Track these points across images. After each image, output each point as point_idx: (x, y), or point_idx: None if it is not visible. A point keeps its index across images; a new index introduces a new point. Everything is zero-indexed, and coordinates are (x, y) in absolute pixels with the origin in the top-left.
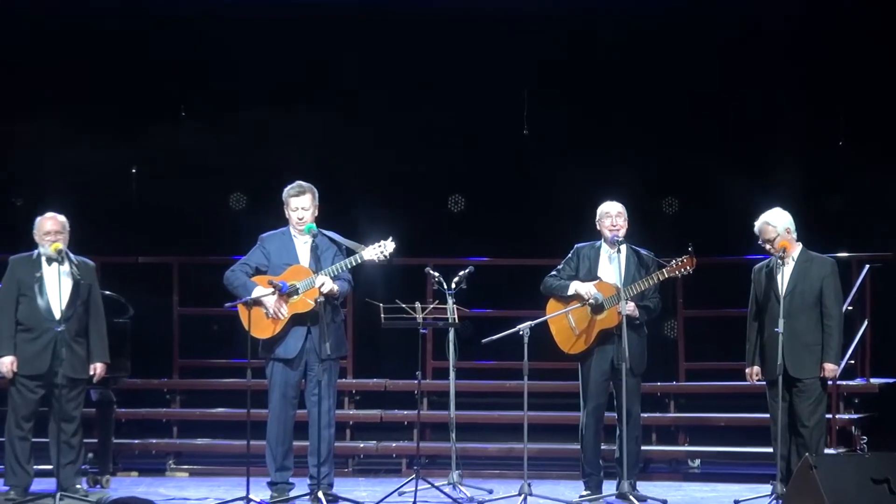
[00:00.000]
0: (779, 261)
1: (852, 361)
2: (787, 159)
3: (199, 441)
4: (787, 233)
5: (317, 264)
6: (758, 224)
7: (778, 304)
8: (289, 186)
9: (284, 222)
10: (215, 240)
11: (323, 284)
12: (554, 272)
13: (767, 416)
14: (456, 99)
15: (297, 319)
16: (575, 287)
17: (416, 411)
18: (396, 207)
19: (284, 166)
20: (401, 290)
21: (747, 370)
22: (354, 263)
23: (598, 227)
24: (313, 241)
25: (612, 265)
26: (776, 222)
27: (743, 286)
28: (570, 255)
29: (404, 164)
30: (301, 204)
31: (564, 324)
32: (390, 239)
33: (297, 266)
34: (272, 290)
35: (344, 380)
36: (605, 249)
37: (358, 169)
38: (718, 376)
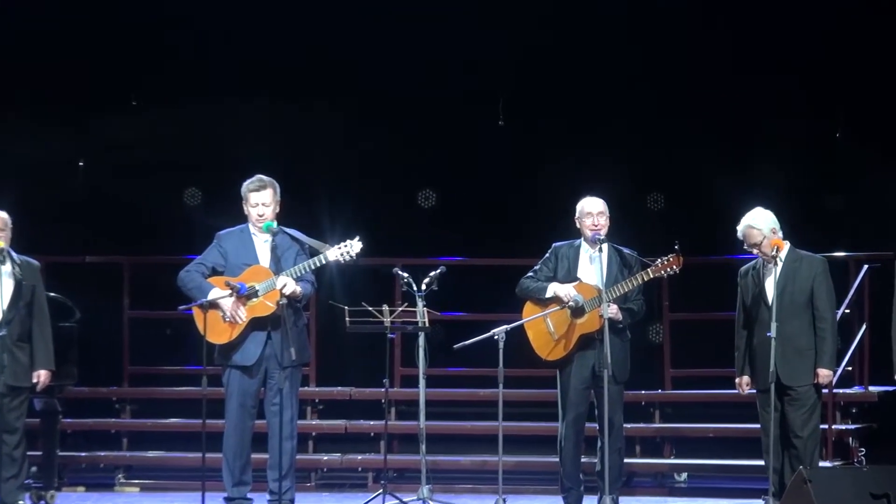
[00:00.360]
0: (772, 261)
1: (850, 368)
2: (781, 154)
3: (151, 454)
4: (773, 233)
5: (277, 265)
6: (741, 228)
7: (767, 309)
8: (248, 181)
9: (243, 219)
10: (169, 238)
11: (285, 286)
12: (531, 273)
13: (759, 426)
14: (427, 87)
15: (256, 323)
16: (553, 289)
17: (383, 422)
18: (363, 203)
19: (243, 159)
20: (367, 292)
21: (737, 380)
22: (318, 264)
23: (577, 225)
24: (273, 240)
25: (592, 265)
26: (760, 224)
27: (733, 287)
28: (547, 254)
29: (372, 157)
30: (261, 199)
31: (542, 328)
32: (356, 238)
33: (256, 266)
34: (230, 291)
35: (306, 388)
36: (586, 248)
37: (322, 162)
38: (707, 384)
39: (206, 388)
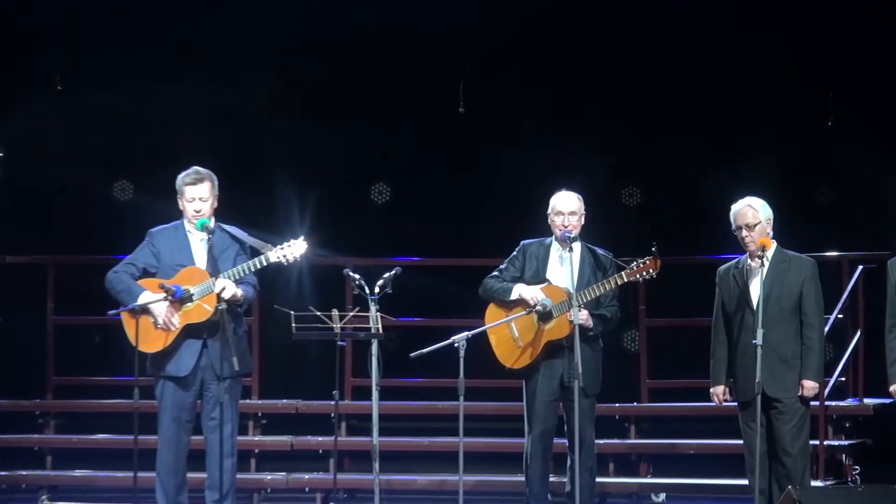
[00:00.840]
0: (755, 260)
1: (843, 378)
2: (768, 145)
3: (78, 472)
4: (768, 224)
5: (215, 266)
6: (737, 207)
7: (752, 313)
8: (183, 173)
9: (178, 215)
10: (96, 236)
11: (223, 289)
12: (495, 272)
13: (742, 442)
14: (380, 69)
15: (191, 330)
16: (519, 291)
17: (332, 437)
18: (310, 198)
19: (179, 149)
20: (315, 296)
21: (712, 389)
22: (260, 266)
23: (549, 222)
24: (210, 239)
25: (563, 266)
26: (759, 207)
27: (714, 289)
28: (515, 252)
29: (319, 147)
30: (198, 194)
31: (506, 334)
32: (301, 238)
33: (191, 268)
34: (163, 295)
35: (248, 401)
36: (557, 248)
37: (264, 152)
38: (687, 396)
39: (137, 401)
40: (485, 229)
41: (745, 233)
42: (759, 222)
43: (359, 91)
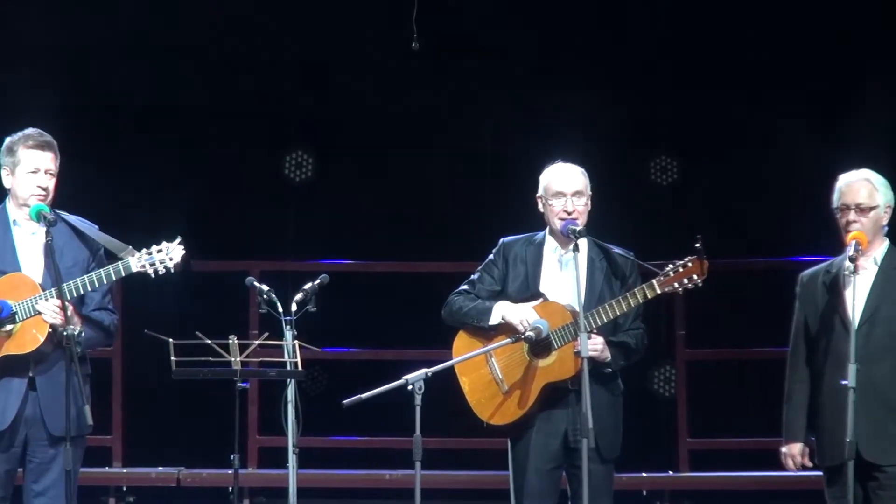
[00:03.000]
0: (850, 263)
1: None
2: (872, 101)
3: None
4: (887, 212)
5: (54, 272)
6: (848, 179)
7: (847, 339)
8: (20, 134)
9: None
10: None
11: (44, 310)
12: (465, 286)
13: None
14: None
15: (9, 367)
16: (502, 311)
17: None
18: (196, 176)
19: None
20: (204, 317)
21: (784, 448)
22: (116, 276)
23: (541, 209)
24: (48, 233)
25: (564, 273)
26: (880, 185)
27: (790, 308)
28: (492, 255)
29: (209, 100)
30: (44, 164)
31: (484, 373)
32: (177, 241)
33: (16, 274)
34: None
35: (106, 469)
36: (554, 247)
37: (126, 109)
38: (745, 461)
39: None
40: (448, 220)
41: (852, 216)
42: (876, 206)
43: (276, 23)
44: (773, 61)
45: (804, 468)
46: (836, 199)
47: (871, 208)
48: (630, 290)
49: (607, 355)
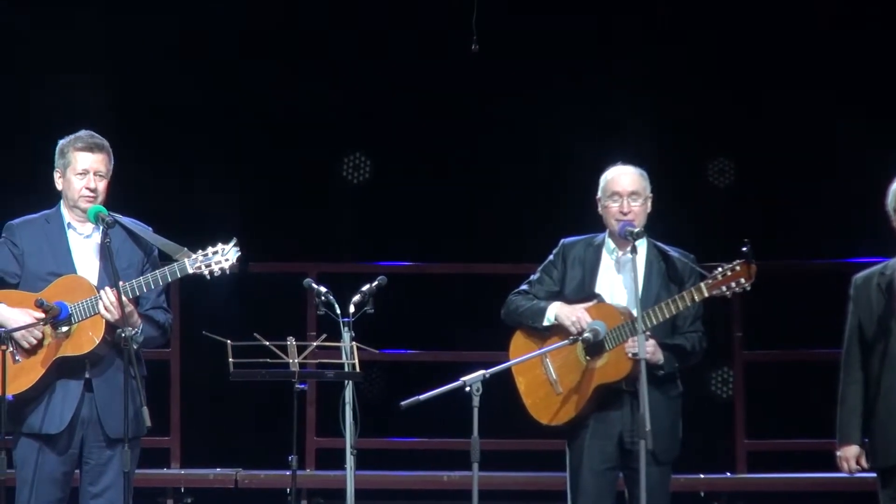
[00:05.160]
0: None
1: None
2: None
3: None
4: None
5: (110, 274)
6: None
7: None
8: (72, 136)
9: (50, 200)
10: None
11: (109, 309)
12: (524, 286)
13: None
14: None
15: (64, 368)
16: (556, 311)
17: None
18: (254, 177)
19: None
20: (263, 318)
21: (839, 451)
22: (172, 278)
23: (599, 211)
24: (105, 236)
25: (621, 275)
26: None
27: (844, 309)
28: (552, 256)
29: (267, 101)
30: (95, 166)
31: (539, 374)
32: (233, 242)
33: (72, 276)
34: (43, 316)
35: (165, 470)
36: (611, 249)
37: (182, 112)
38: (802, 462)
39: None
40: (506, 221)
41: None
42: None
43: (337, 30)
44: (832, 62)
45: (860, 470)
46: (891, 202)
47: None
48: (686, 292)
49: (660, 357)
